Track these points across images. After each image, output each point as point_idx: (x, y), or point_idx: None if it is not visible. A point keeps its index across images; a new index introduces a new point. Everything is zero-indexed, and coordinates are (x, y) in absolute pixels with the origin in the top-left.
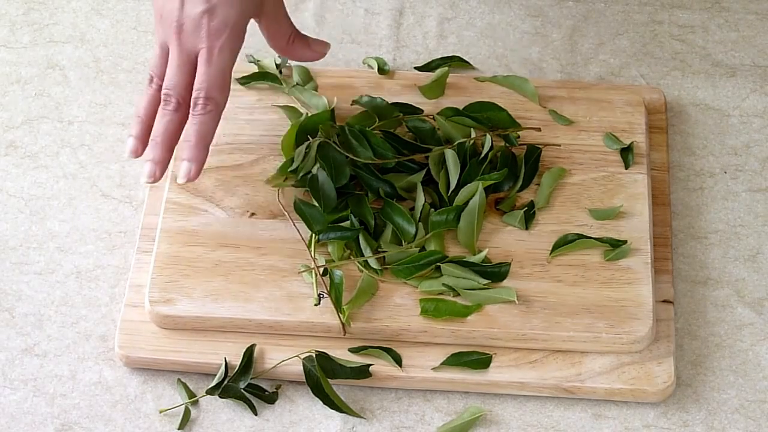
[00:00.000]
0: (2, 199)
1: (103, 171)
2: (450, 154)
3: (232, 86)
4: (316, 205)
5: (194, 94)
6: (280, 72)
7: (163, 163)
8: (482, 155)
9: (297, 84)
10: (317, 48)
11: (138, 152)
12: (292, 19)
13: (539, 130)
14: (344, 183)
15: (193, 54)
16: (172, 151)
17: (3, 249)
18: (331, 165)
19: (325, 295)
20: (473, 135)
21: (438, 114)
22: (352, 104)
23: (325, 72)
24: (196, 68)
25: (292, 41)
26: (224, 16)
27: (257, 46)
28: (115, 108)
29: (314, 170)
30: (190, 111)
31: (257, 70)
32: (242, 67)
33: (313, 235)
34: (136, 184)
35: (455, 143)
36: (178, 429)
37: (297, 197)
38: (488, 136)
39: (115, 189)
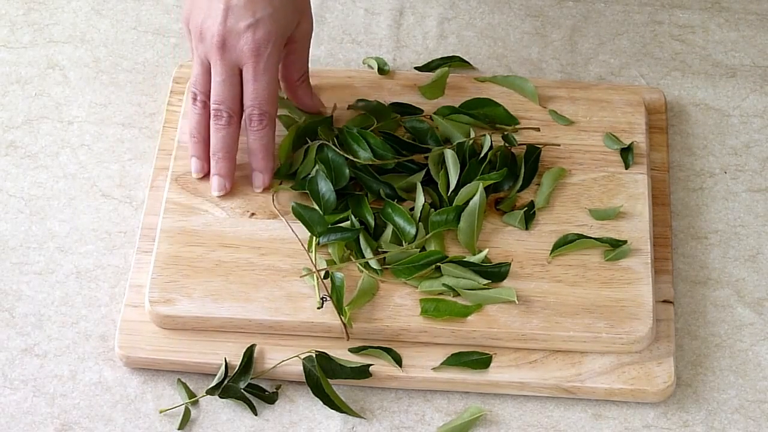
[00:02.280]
0: (2, 199)
1: (103, 171)
2: (449, 154)
3: None
4: (316, 207)
5: (247, 111)
6: None
7: (230, 175)
8: (482, 155)
9: None
10: (317, 101)
11: (204, 170)
12: None
13: (538, 130)
14: (344, 185)
15: (237, 68)
16: (235, 160)
17: (3, 249)
18: (331, 167)
19: (328, 299)
20: (472, 134)
21: (435, 113)
22: (348, 109)
23: (325, 72)
24: (240, 81)
25: (302, 82)
26: (267, 31)
27: None
28: (115, 108)
29: (313, 172)
30: (247, 126)
31: None
32: None
33: (314, 238)
34: (136, 184)
35: (455, 143)
36: (178, 429)
37: (294, 201)
38: (488, 137)
39: (115, 189)
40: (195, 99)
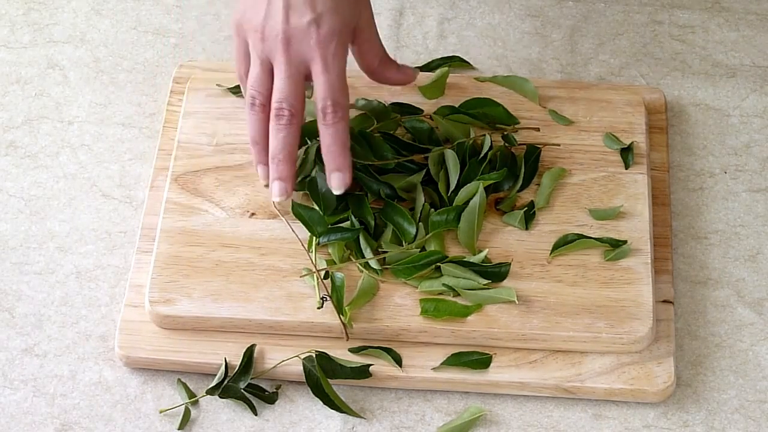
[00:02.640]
0: (2, 199)
1: (103, 171)
2: (450, 154)
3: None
4: (316, 207)
5: (320, 104)
6: None
7: (292, 178)
8: (482, 155)
9: None
10: (407, 71)
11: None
12: None
13: (538, 129)
14: None
15: (303, 65)
16: (296, 163)
17: (3, 249)
18: None
19: (328, 299)
20: (472, 134)
21: (435, 113)
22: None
23: None
24: (304, 79)
25: (383, 63)
26: (331, 24)
27: None
28: (115, 108)
29: (313, 173)
30: (321, 122)
31: None
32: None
33: (314, 238)
34: (136, 184)
35: (455, 143)
36: (178, 429)
37: (294, 202)
38: (488, 137)
39: (115, 189)
40: (254, 103)
